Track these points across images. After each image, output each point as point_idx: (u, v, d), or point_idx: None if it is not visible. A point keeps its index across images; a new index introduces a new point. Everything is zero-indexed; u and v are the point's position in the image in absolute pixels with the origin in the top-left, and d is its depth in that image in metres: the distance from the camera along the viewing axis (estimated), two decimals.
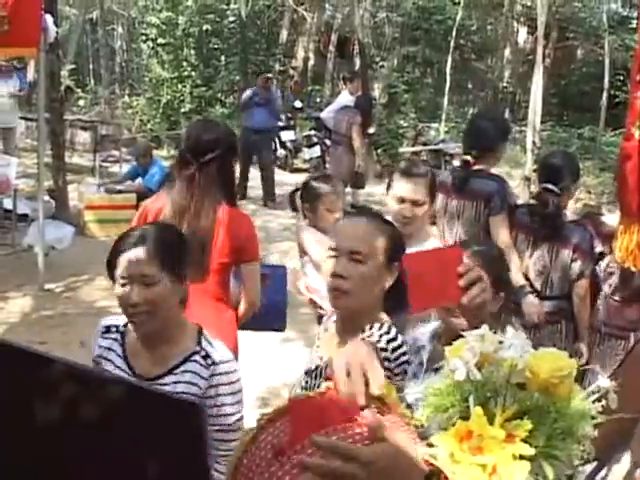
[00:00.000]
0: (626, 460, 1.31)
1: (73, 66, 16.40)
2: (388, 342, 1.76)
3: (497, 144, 3.73)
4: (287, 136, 12.51)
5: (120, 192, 8.16)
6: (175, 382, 2.03)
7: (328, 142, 10.45)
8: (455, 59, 15.93)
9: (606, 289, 3.58)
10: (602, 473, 1.33)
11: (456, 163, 8.66)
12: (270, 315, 3.32)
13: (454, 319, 1.96)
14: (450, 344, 1.16)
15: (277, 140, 12.34)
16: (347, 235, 1.91)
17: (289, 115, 13.18)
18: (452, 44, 15.35)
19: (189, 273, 2.15)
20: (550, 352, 1.09)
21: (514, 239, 3.57)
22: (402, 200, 2.93)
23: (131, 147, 10.05)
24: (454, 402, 1.07)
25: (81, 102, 16.01)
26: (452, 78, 15.23)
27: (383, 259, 1.89)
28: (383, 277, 1.90)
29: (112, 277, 2.04)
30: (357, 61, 14.72)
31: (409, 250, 1.94)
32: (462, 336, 1.15)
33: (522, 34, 18.89)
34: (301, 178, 4.49)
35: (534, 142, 10.48)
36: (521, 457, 1.00)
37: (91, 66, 18.82)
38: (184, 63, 14.77)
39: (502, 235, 3.51)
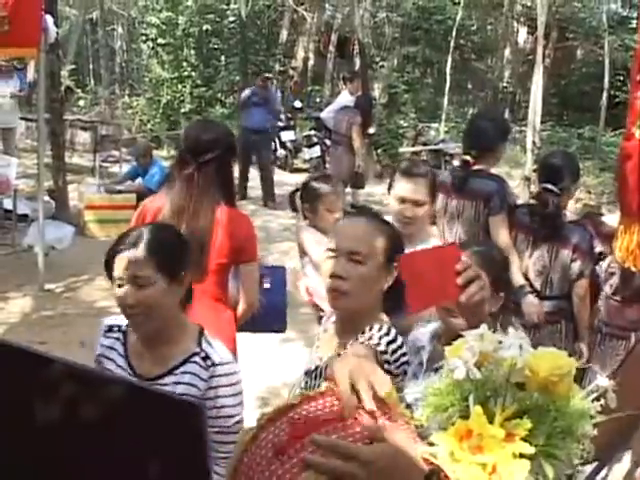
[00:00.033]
0: (627, 460, 1.31)
1: (73, 66, 16.42)
2: (388, 344, 1.76)
3: (497, 144, 3.74)
4: (287, 136, 12.52)
5: (120, 192, 8.17)
6: (175, 383, 2.02)
7: (328, 142, 10.46)
8: (455, 59, 15.94)
9: (607, 289, 3.58)
10: (602, 473, 1.33)
11: (456, 163, 8.66)
12: (270, 316, 3.32)
13: (453, 319, 1.96)
14: (450, 344, 1.16)
15: (277, 140, 12.35)
16: (346, 236, 1.91)
17: (289, 115, 13.19)
18: (452, 44, 15.35)
19: (189, 273, 2.15)
20: (549, 351, 1.09)
21: (514, 239, 3.57)
22: (403, 200, 2.93)
23: (131, 147, 10.05)
24: (454, 401, 1.08)
25: (81, 102, 16.02)
26: (452, 78, 15.23)
27: (382, 259, 1.89)
28: (382, 277, 1.89)
29: (111, 277, 2.04)
30: (357, 61, 14.72)
31: (410, 250, 1.94)
32: (462, 336, 1.15)
33: (522, 34, 18.90)
34: (301, 178, 4.49)
35: (534, 142, 10.48)
36: (521, 456, 1.00)
37: (91, 66, 18.82)
38: (184, 63, 14.78)
39: (502, 235, 3.52)
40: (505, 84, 18.54)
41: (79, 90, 16.18)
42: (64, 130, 8.94)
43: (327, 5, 18.09)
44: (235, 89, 14.88)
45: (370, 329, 1.81)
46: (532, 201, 3.93)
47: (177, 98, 14.43)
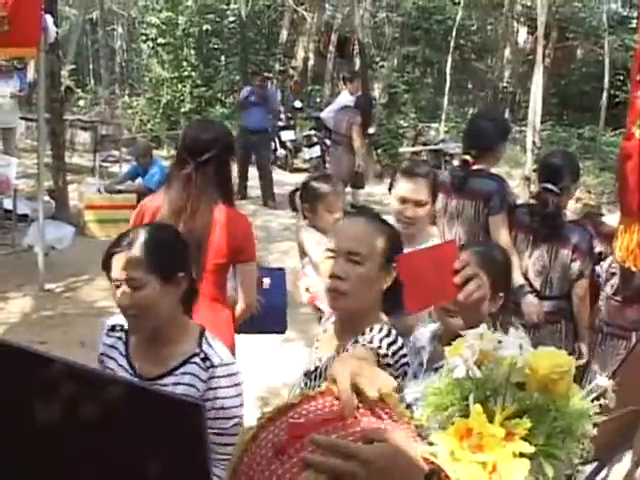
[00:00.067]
0: (628, 460, 1.31)
1: (73, 66, 16.41)
2: (389, 346, 1.76)
3: (497, 144, 3.73)
4: (287, 136, 12.52)
5: (120, 192, 8.16)
6: (175, 383, 2.02)
7: (328, 142, 10.46)
8: (455, 59, 15.93)
9: (608, 290, 3.57)
10: (602, 473, 1.33)
11: (456, 163, 8.67)
12: (270, 318, 3.31)
13: (452, 319, 1.96)
14: (449, 344, 1.16)
15: (277, 140, 12.36)
16: (345, 236, 1.91)
17: (289, 115, 13.18)
18: (452, 44, 15.34)
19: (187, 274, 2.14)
20: (549, 350, 1.10)
21: (514, 239, 3.57)
22: (404, 200, 2.93)
23: (131, 147, 10.05)
24: (454, 401, 1.08)
25: (81, 102, 16.01)
26: (452, 78, 15.22)
27: (381, 260, 1.88)
28: (381, 278, 1.89)
29: (109, 278, 2.05)
30: (357, 61, 14.71)
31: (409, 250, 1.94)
32: (461, 336, 1.15)
33: (522, 34, 18.89)
34: (301, 178, 4.49)
35: (534, 142, 10.48)
36: (521, 455, 1.00)
37: (91, 66, 18.81)
38: (184, 63, 14.78)
39: (502, 235, 3.52)
40: (505, 84, 18.53)
41: (79, 90, 16.18)
42: (64, 130, 8.94)
43: (327, 5, 18.08)
44: (235, 89, 14.88)
45: (370, 330, 1.81)
46: (532, 201, 3.93)
47: (177, 98, 14.43)
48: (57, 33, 6.82)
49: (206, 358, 2.04)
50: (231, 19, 15.64)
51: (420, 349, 2.23)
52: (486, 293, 1.51)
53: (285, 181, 10.40)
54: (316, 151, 11.98)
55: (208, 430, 1.70)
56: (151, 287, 1.98)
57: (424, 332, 2.27)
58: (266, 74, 10.97)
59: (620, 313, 3.53)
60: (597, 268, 3.61)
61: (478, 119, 4.26)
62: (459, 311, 1.50)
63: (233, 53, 15.67)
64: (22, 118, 10.94)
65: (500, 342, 1.10)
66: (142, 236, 2.02)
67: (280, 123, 12.37)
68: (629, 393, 1.15)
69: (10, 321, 5.46)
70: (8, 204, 7.46)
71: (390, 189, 3.06)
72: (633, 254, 2.49)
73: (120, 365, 2.11)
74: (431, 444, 1.03)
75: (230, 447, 1.91)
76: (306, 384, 1.92)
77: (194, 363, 2.04)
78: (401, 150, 12.96)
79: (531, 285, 3.55)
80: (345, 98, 9.62)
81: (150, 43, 15.59)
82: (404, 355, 1.83)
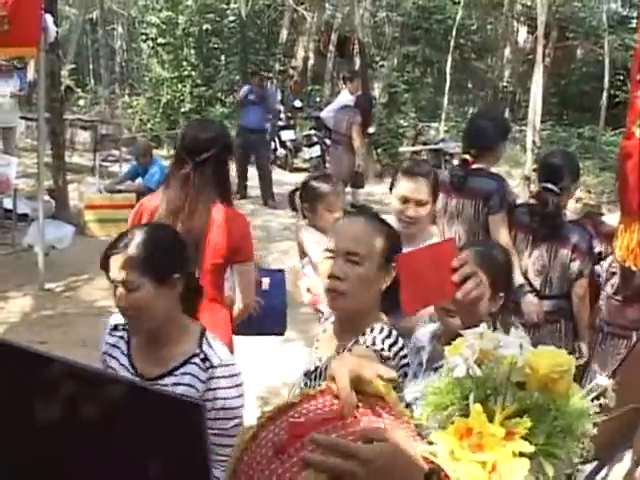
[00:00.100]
0: (628, 459, 1.31)
1: (73, 66, 16.40)
2: (390, 347, 1.76)
3: (497, 143, 3.73)
4: (287, 135, 12.52)
5: (120, 192, 8.16)
6: (175, 384, 2.02)
7: (328, 141, 10.46)
8: (455, 58, 15.93)
9: (608, 289, 3.57)
10: (602, 473, 1.33)
11: (456, 162, 8.67)
12: (270, 319, 3.31)
13: (451, 319, 1.96)
14: (449, 344, 1.16)
15: (277, 139, 12.36)
16: (344, 236, 1.90)
17: (289, 114, 13.18)
18: (452, 43, 15.34)
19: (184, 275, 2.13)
20: (549, 349, 1.10)
21: (513, 238, 3.57)
22: (405, 200, 2.93)
23: (131, 147, 10.05)
24: (454, 400, 1.08)
25: (81, 102, 16.02)
26: (452, 77, 15.22)
27: (380, 260, 1.88)
28: (380, 278, 1.89)
29: (109, 278, 2.05)
30: (357, 60, 14.71)
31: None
32: (461, 336, 1.15)
33: (522, 34, 18.88)
34: (301, 177, 4.49)
35: (534, 141, 10.48)
36: (521, 455, 1.00)
37: (91, 66, 18.81)
38: (184, 63, 14.77)
39: (501, 234, 3.51)
40: (505, 83, 18.53)
41: (79, 89, 16.18)
42: (64, 129, 8.94)
43: (327, 4, 18.08)
44: (235, 88, 14.86)
45: (371, 331, 1.80)
46: (532, 200, 3.93)
47: (177, 97, 14.43)
48: (57, 33, 6.82)
49: (206, 359, 2.03)
50: (231, 19, 15.64)
51: (420, 349, 2.23)
52: (484, 292, 1.50)
53: (285, 181, 10.40)
54: (316, 151, 11.98)
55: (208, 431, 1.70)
56: (145, 289, 1.98)
57: (424, 332, 2.27)
58: (265, 74, 10.97)
59: (620, 312, 3.53)
60: (597, 268, 3.61)
61: (478, 118, 4.26)
62: (457, 310, 1.50)
63: (233, 53, 15.67)
64: (22, 117, 10.95)
65: (500, 341, 1.10)
66: (138, 238, 2.02)
67: (280, 123, 12.38)
68: (629, 392, 1.15)
69: (10, 321, 5.46)
70: (8, 203, 7.46)
71: (391, 189, 3.05)
72: (633, 253, 2.49)
73: (122, 364, 2.11)
74: (431, 443, 1.03)
75: (228, 449, 1.91)
76: (306, 384, 1.92)
77: (194, 364, 2.04)
78: (401, 150, 12.97)
79: (531, 285, 3.55)
80: (345, 98, 9.62)
81: (150, 43, 15.58)
82: (404, 356, 1.83)
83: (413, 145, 13.48)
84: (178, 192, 2.84)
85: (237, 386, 2.05)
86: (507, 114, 15.88)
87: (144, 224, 2.63)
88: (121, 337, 2.16)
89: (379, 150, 12.66)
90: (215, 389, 2.01)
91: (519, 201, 4.31)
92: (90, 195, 8.24)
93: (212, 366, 2.02)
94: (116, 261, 1.99)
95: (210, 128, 3.01)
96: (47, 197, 7.37)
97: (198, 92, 14.57)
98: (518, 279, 3.48)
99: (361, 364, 1.06)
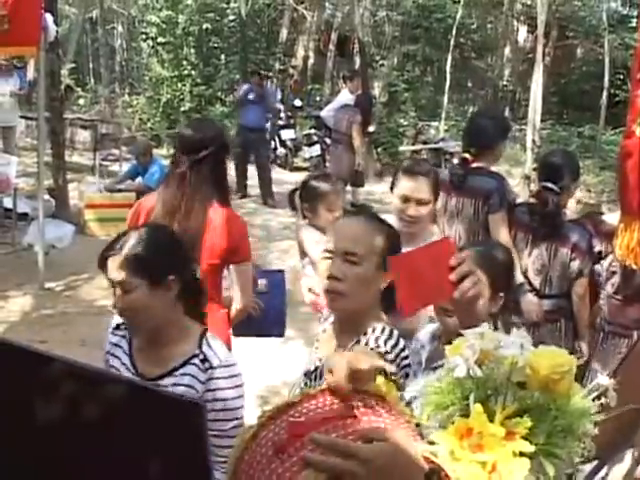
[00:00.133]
0: (628, 458, 1.30)
1: (73, 65, 16.41)
2: (392, 348, 1.76)
3: (496, 142, 3.73)
4: (287, 135, 12.52)
5: (120, 191, 8.16)
6: (174, 384, 2.02)
7: (328, 141, 10.46)
8: (455, 57, 15.92)
9: (609, 288, 3.57)
10: (602, 472, 1.33)
11: (456, 161, 8.68)
12: (269, 321, 3.29)
13: (450, 319, 1.96)
14: (449, 344, 1.16)
15: (277, 139, 12.36)
16: (342, 236, 1.90)
17: (289, 114, 13.18)
18: (452, 42, 15.34)
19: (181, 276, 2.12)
20: (550, 349, 1.09)
21: (513, 237, 3.57)
22: (406, 199, 2.93)
23: (131, 146, 10.05)
24: (454, 400, 1.08)
25: (81, 101, 16.02)
26: (452, 76, 15.22)
27: (379, 259, 1.87)
28: (379, 277, 1.88)
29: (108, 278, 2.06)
30: (357, 60, 14.70)
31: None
32: (460, 335, 1.15)
33: (522, 33, 18.89)
34: (301, 177, 4.48)
35: (534, 140, 10.48)
36: (521, 454, 1.00)
37: (91, 65, 18.81)
38: (184, 62, 14.77)
39: (501, 233, 3.51)
40: (505, 82, 18.54)
41: (79, 89, 16.18)
42: (64, 129, 8.94)
43: (327, 4, 18.08)
44: (235, 88, 14.86)
45: (373, 331, 1.80)
46: (532, 200, 3.93)
47: (177, 97, 14.43)
48: (57, 32, 6.81)
49: (205, 359, 2.03)
50: (231, 18, 15.64)
51: (420, 349, 2.23)
52: (482, 291, 1.49)
53: (285, 180, 10.40)
54: (316, 150, 11.97)
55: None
56: (140, 291, 1.98)
57: (424, 332, 2.27)
58: (265, 73, 10.97)
59: (621, 312, 3.52)
60: (597, 267, 3.61)
61: (478, 117, 4.26)
62: (455, 309, 1.48)
63: (233, 52, 15.67)
64: (22, 117, 10.95)
65: (500, 341, 1.10)
66: (134, 239, 2.02)
67: (280, 122, 12.37)
68: (630, 392, 1.15)
69: (10, 320, 5.46)
70: (8, 203, 7.46)
71: (392, 188, 3.05)
72: (634, 252, 2.49)
73: (124, 364, 2.12)
74: (431, 443, 1.03)
75: (227, 450, 1.90)
76: (306, 384, 1.92)
77: (193, 364, 2.03)
78: (401, 149, 12.96)
79: (530, 284, 3.55)
80: (345, 97, 9.62)
81: (150, 42, 15.58)
82: (406, 357, 1.83)
83: (413, 144, 13.48)
84: (174, 192, 2.83)
85: (237, 387, 2.05)
86: (507, 113, 15.89)
87: (141, 225, 2.62)
88: (123, 336, 2.17)
89: (379, 149, 12.66)
90: (214, 390, 2.01)
91: (519, 200, 4.31)
92: (90, 194, 8.24)
93: (211, 367, 2.02)
94: (113, 262, 2.00)
95: (207, 127, 3.00)
96: (47, 196, 7.37)
97: (198, 91, 14.57)
98: (518, 278, 3.48)
99: (358, 357, 1.06)
